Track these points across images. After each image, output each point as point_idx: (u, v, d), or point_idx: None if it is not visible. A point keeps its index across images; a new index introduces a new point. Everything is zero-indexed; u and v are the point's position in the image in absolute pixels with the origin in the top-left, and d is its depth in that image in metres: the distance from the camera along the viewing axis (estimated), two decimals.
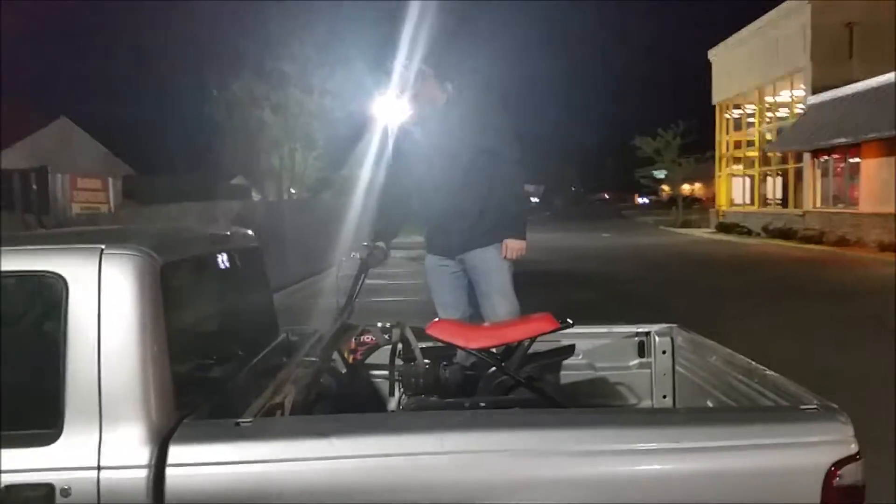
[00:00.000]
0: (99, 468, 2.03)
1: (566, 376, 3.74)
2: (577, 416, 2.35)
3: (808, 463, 2.11)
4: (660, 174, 43.25)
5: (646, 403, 3.77)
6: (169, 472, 2.05)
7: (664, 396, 3.74)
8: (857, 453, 2.09)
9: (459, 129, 3.64)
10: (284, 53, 20.59)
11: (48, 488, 1.99)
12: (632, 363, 3.82)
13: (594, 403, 3.71)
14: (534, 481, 2.08)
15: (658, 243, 26.17)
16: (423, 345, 2.94)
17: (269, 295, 3.42)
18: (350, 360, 2.88)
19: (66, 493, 2.00)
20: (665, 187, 48.40)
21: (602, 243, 26.60)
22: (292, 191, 22.30)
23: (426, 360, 2.92)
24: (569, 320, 2.99)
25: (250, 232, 3.42)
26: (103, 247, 2.22)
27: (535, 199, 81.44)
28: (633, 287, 13.59)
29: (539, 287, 13.92)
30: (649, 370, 3.77)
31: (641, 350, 3.80)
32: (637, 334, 3.81)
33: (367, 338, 2.97)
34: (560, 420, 2.27)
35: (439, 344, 2.95)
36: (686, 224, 35.96)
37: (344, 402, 2.89)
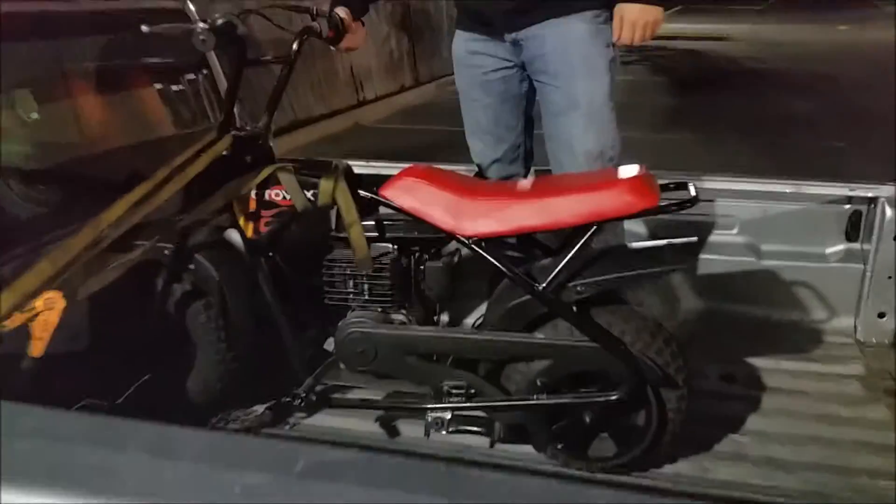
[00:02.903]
0: None
1: (708, 264, 2.20)
2: None
3: None
4: None
5: (843, 323, 2.17)
6: None
7: (881, 315, 2.11)
8: None
9: None
10: None
11: None
12: (831, 250, 2.20)
13: (749, 317, 2.18)
14: None
15: None
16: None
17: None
18: (248, 230, 1.54)
19: None
20: None
21: (837, 39, 22.10)
22: None
23: (390, 245, 1.52)
24: (691, 190, 1.43)
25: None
26: None
27: None
28: (867, 100, 10.62)
29: (740, 92, 11.36)
30: (861, 266, 2.12)
31: (853, 229, 2.15)
32: (848, 200, 2.14)
33: (274, 192, 1.54)
34: None
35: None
36: None
37: (231, 314, 1.63)
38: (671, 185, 1.53)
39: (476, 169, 1.97)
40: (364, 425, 1.76)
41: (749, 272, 2.20)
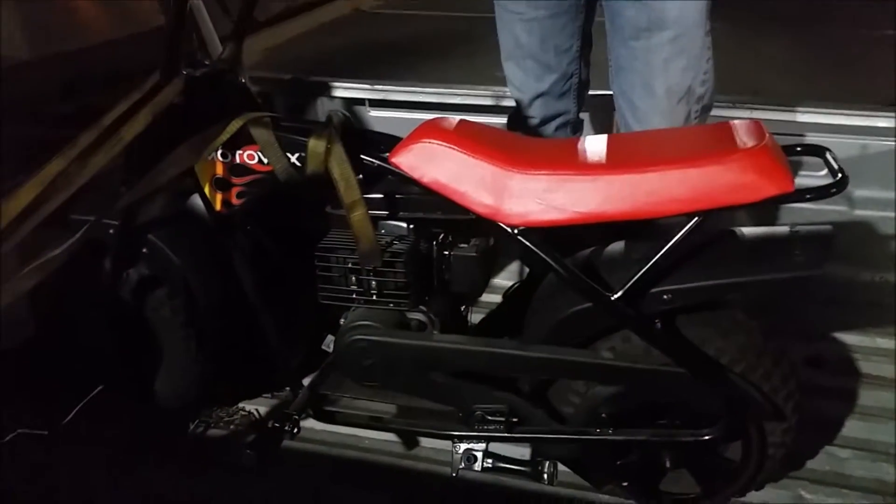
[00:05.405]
0: None
1: (790, 213, 1.81)
2: None
3: None
4: None
5: None
6: None
7: None
8: None
9: None
10: None
11: None
12: None
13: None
14: None
15: None
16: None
17: None
18: (217, 201, 1.14)
19: None
20: None
21: None
22: None
23: (405, 224, 1.12)
24: (829, 159, 1.04)
25: None
26: None
27: None
28: None
29: None
30: None
31: None
32: None
33: (247, 153, 1.12)
34: None
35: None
36: None
37: (200, 306, 1.27)
38: (798, 149, 1.13)
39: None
40: (380, 433, 1.45)
41: (839, 224, 1.81)
